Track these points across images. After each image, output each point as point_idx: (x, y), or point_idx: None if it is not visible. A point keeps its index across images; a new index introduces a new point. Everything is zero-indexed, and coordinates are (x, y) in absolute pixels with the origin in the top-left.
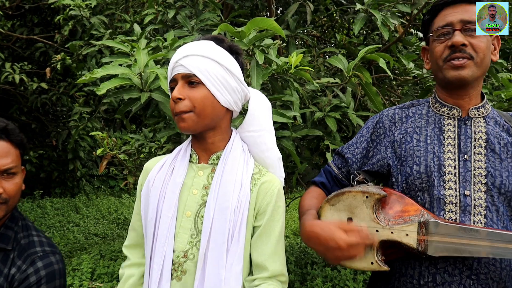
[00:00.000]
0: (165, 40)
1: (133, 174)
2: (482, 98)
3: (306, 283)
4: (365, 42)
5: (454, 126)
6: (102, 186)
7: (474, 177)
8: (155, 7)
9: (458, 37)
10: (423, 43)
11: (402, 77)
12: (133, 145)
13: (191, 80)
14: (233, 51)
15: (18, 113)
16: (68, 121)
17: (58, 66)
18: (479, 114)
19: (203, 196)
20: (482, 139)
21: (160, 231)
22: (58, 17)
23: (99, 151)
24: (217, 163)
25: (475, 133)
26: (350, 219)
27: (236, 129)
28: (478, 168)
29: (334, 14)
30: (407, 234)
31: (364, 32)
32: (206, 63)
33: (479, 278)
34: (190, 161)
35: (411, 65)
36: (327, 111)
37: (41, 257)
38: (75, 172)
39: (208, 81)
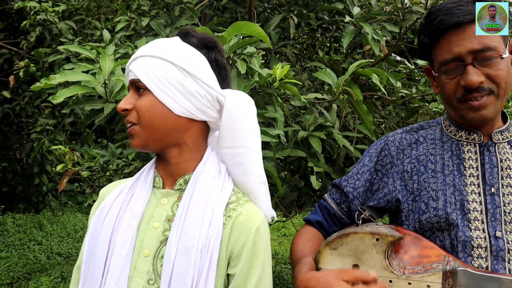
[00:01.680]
0: (136, 47)
1: (97, 193)
2: (505, 119)
3: None
4: (348, 59)
5: (476, 153)
6: (70, 202)
7: (505, 215)
8: (128, 14)
9: (473, 76)
10: (422, 62)
11: (390, 96)
12: (97, 162)
13: (138, 86)
14: (203, 46)
15: None
16: (31, 134)
17: (21, 73)
18: (503, 139)
19: (164, 231)
20: (510, 168)
21: (110, 273)
22: (24, 22)
23: (59, 167)
24: (185, 189)
25: (501, 161)
26: (356, 266)
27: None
28: (509, 203)
29: (316, 32)
30: (428, 286)
31: (345, 51)
32: (155, 65)
33: None
34: (153, 185)
35: (399, 84)
36: (311, 130)
37: None
38: (41, 186)
39: (155, 86)
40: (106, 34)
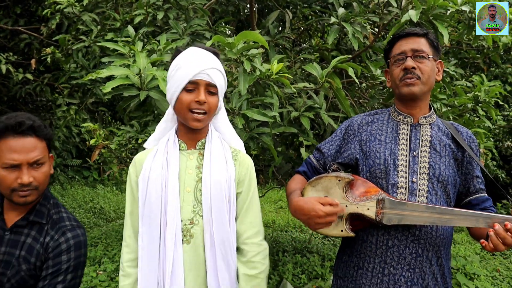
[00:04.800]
0: (159, 42)
1: (125, 163)
2: (430, 109)
3: (278, 269)
4: (338, 47)
5: (407, 130)
6: (77, 176)
7: (420, 169)
8: (145, 8)
9: (409, 62)
10: None
11: (370, 81)
12: (124, 136)
13: (211, 90)
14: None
15: None
16: (50, 112)
17: (48, 59)
18: (426, 122)
19: (197, 174)
20: (427, 141)
21: (169, 206)
22: (46, 11)
23: (92, 141)
24: (203, 148)
25: (422, 136)
26: (326, 197)
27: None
28: (423, 162)
29: (309, 18)
30: (368, 209)
31: (337, 36)
32: (221, 77)
33: (419, 242)
34: (179, 149)
35: (378, 71)
36: (302, 111)
37: (70, 230)
38: None
39: (221, 91)
40: (131, 30)
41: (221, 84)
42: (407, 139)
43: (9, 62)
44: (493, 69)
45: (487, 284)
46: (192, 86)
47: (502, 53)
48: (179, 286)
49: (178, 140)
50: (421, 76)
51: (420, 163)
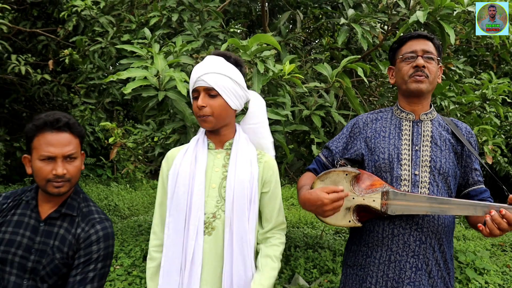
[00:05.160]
0: (175, 44)
1: (141, 161)
2: (430, 106)
3: (290, 263)
4: (348, 46)
5: (410, 126)
6: (91, 175)
7: (422, 162)
8: (159, 10)
9: (421, 61)
10: None
11: (379, 80)
12: (141, 135)
13: (211, 93)
14: (238, 64)
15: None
16: (66, 112)
17: (66, 60)
18: (427, 118)
19: (223, 172)
20: (428, 136)
21: (194, 200)
22: (62, 13)
23: (111, 140)
24: (230, 148)
25: (424, 131)
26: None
27: (238, 123)
28: (425, 155)
29: (320, 18)
30: (374, 200)
31: (347, 36)
32: (222, 79)
33: (423, 230)
34: (208, 148)
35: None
36: (313, 109)
37: (99, 222)
38: None
39: (223, 93)
40: (147, 32)
41: (223, 85)
42: (409, 135)
43: (28, 64)
44: (503, 66)
45: (496, 279)
46: (195, 94)
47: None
48: (196, 272)
49: (207, 140)
50: (429, 75)
51: (422, 156)
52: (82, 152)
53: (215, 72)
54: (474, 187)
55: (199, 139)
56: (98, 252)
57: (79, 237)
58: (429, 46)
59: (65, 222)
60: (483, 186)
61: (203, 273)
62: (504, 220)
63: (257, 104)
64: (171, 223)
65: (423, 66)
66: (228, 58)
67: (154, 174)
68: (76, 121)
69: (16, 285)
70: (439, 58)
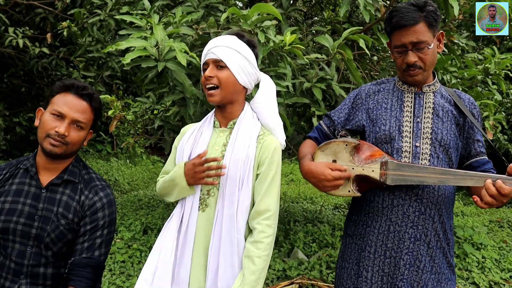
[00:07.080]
0: (174, 15)
1: (140, 134)
2: (434, 77)
3: (289, 237)
4: (350, 19)
5: (412, 98)
6: (90, 150)
7: (423, 134)
8: None
9: (411, 58)
10: None
11: (381, 54)
12: (141, 107)
13: (220, 64)
14: (251, 45)
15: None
16: None
17: (64, 32)
18: (430, 90)
19: (222, 151)
20: (430, 107)
21: None
22: None
23: (110, 112)
24: (233, 127)
25: (425, 103)
26: (334, 161)
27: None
28: (426, 127)
29: None
30: (373, 170)
31: (349, 8)
32: (230, 52)
33: (422, 201)
34: (214, 126)
35: None
36: (314, 82)
37: (101, 189)
38: None
39: (232, 65)
40: (147, 3)
41: (232, 58)
42: (411, 107)
43: (25, 37)
44: (506, 42)
45: (493, 254)
46: (205, 66)
47: None
48: (189, 245)
49: (214, 118)
50: (423, 66)
51: (423, 128)
52: (91, 130)
53: (224, 46)
54: (476, 158)
55: (208, 117)
56: (104, 218)
57: (84, 204)
58: (418, 33)
59: (67, 189)
60: (486, 157)
61: (195, 246)
62: (495, 188)
63: (267, 85)
64: None
65: (415, 61)
66: (241, 37)
67: (154, 149)
68: (99, 99)
69: (21, 252)
70: (430, 47)
